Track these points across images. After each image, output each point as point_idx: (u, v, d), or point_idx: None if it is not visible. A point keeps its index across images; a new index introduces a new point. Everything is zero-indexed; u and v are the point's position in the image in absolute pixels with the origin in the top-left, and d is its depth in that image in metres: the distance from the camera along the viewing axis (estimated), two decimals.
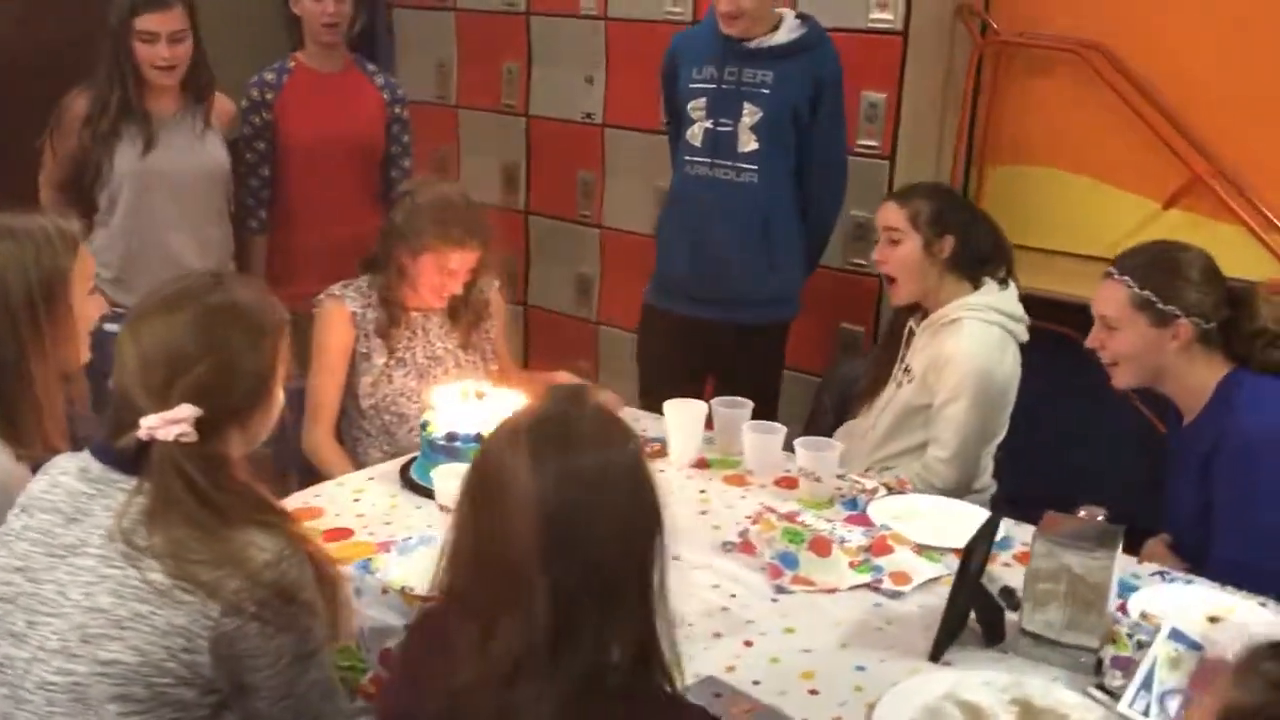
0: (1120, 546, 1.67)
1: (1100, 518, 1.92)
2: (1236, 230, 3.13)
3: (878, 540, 1.98)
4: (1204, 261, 2.06)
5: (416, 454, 2.23)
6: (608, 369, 4.22)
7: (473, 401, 2.21)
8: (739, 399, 2.41)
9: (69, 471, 1.40)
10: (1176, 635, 1.55)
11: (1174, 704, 1.49)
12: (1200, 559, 2.02)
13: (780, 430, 2.26)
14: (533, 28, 4.22)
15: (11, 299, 1.65)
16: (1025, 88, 3.62)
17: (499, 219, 4.42)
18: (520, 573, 1.15)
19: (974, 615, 1.71)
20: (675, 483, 2.24)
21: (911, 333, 2.54)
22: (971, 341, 2.37)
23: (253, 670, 1.32)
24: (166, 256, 2.90)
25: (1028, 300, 2.58)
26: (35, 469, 1.51)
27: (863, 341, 3.60)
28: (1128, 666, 1.57)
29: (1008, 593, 1.77)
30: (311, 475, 2.39)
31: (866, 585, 1.86)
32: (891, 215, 2.48)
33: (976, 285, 2.45)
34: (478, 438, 2.06)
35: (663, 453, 2.35)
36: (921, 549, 1.96)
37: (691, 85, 2.88)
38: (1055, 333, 2.80)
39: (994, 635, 1.71)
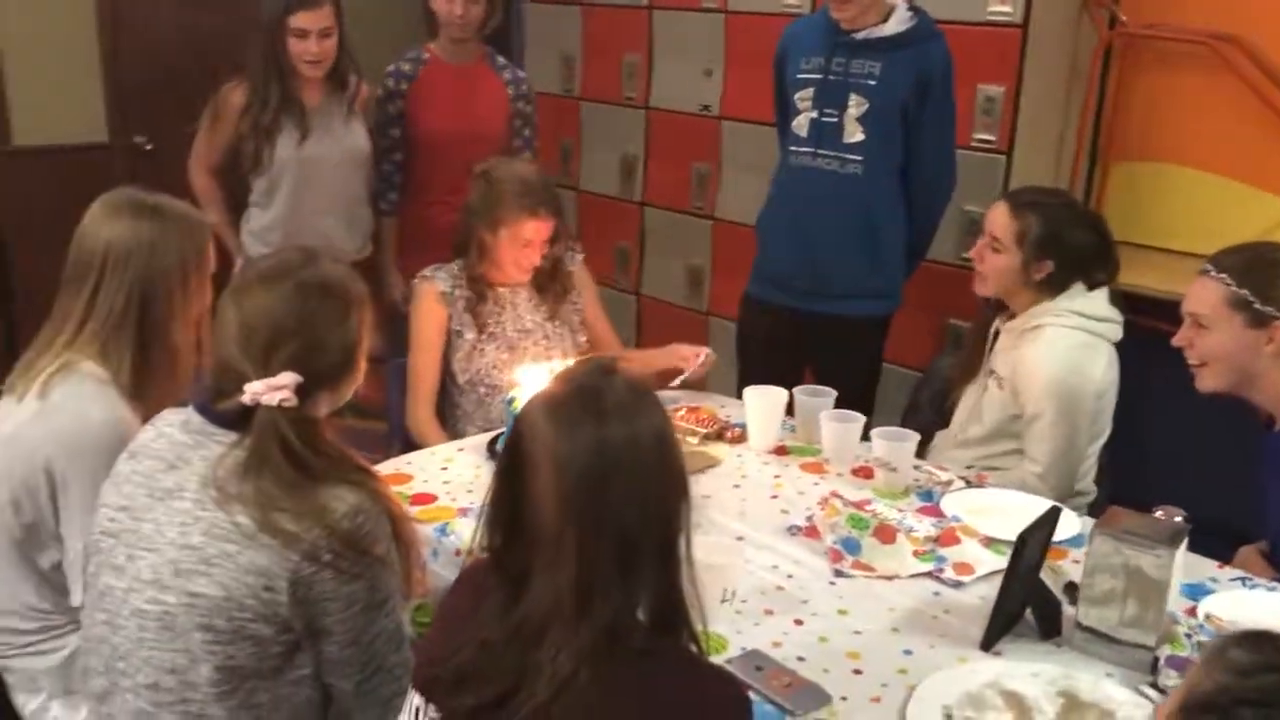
0: (1184, 546, 1.64)
1: (1178, 519, 1.88)
2: None
3: (946, 531, 1.98)
4: None
5: (504, 429, 2.32)
6: (719, 357, 4.25)
7: None
8: (821, 388, 2.43)
9: (173, 424, 1.52)
10: None
11: None
12: None
13: (858, 419, 2.27)
14: (655, 21, 4.29)
15: (167, 267, 1.81)
16: (1153, 82, 3.51)
17: (615, 209, 4.54)
18: (549, 535, 1.21)
19: (1030, 608, 1.70)
20: (751, 467, 2.28)
21: (997, 333, 2.51)
22: (1051, 350, 2.32)
23: (325, 614, 1.42)
24: (320, 236, 3.13)
25: (1150, 302, 2.50)
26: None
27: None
28: (1183, 667, 1.54)
29: (1071, 588, 1.75)
30: (415, 449, 2.51)
31: (928, 574, 1.86)
32: (999, 223, 2.40)
33: (1062, 289, 2.39)
34: None
35: (743, 438, 2.39)
36: (990, 541, 1.95)
37: (799, 75, 2.89)
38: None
39: (1050, 629, 1.69)
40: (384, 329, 3.43)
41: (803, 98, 2.88)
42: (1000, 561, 1.88)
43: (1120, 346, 2.43)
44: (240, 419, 1.45)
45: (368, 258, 3.35)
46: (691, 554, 1.29)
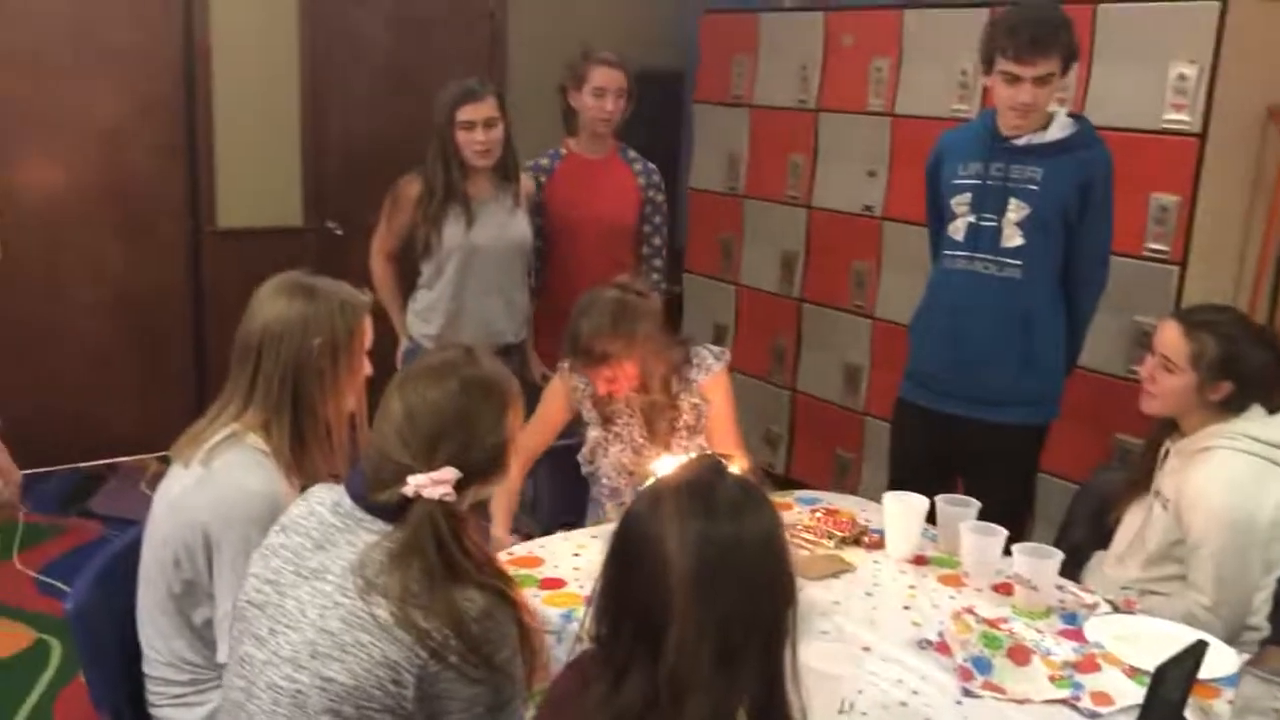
0: None
1: None
2: None
3: (1087, 657, 1.89)
4: None
5: None
6: (872, 459, 4.20)
7: None
8: (964, 497, 2.36)
9: (324, 503, 1.57)
10: None
11: None
12: None
13: (1000, 533, 2.20)
14: (821, 123, 4.35)
15: (316, 348, 1.90)
16: None
17: (774, 304, 4.57)
18: (651, 629, 1.23)
19: None
20: (886, 575, 2.23)
21: (1167, 452, 2.40)
22: (1221, 475, 2.20)
23: (446, 712, 1.44)
24: (482, 319, 3.30)
25: None
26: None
27: None
28: None
29: None
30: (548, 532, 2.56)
31: (1063, 701, 1.78)
32: (1172, 343, 2.30)
33: (1240, 411, 2.28)
34: None
35: (881, 544, 2.35)
36: (1135, 672, 1.85)
37: (956, 181, 2.88)
38: None
39: None
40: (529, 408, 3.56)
41: (960, 202, 2.86)
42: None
43: None
44: (395, 510, 1.49)
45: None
46: (797, 660, 1.28)
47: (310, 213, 4.80)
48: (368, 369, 2.08)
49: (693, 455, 2.37)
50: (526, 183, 3.43)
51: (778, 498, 2.66)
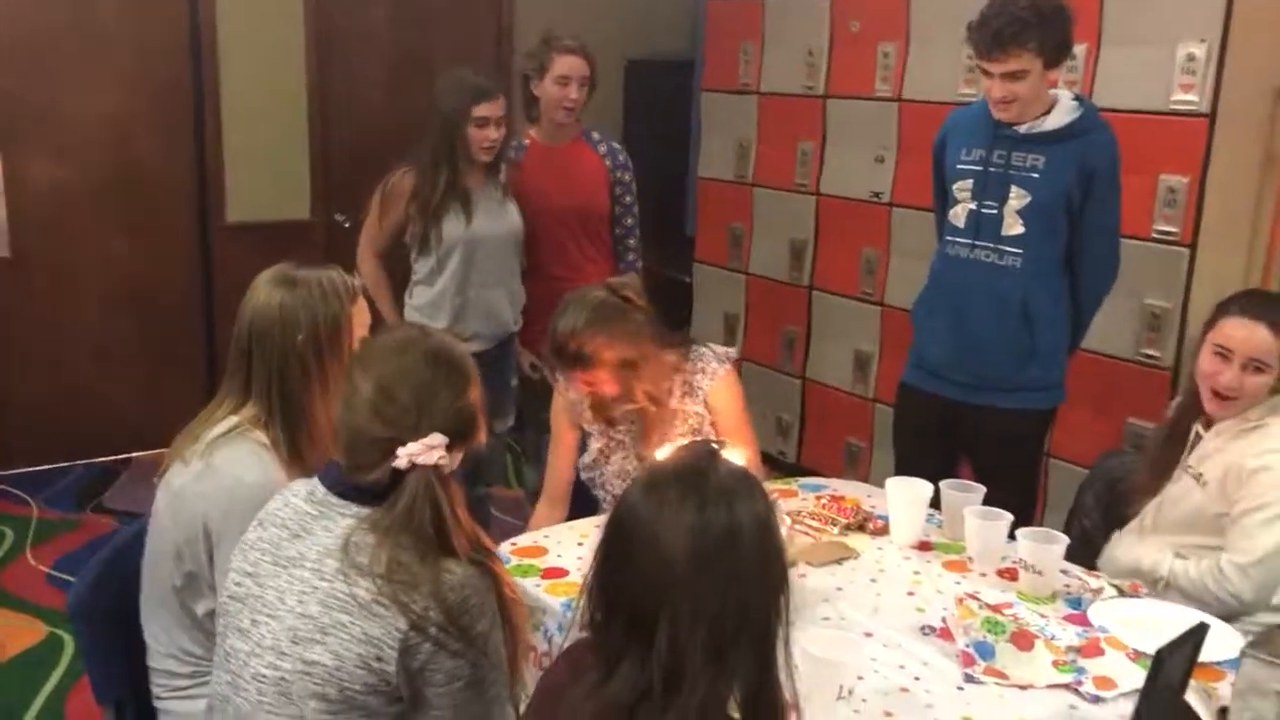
0: None
1: None
2: None
3: (1090, 642, 1.88)
4: None
5: None
6: (883, 446, 4.18)
7: None
8: (970, 483, 2.35)
9: (299, 494, 1.59)
10: None
11: None
12: None
13: (1005, 517, 2.18)
14: (829, 109, 4.33)
15: (299, 340, 1.89)
16: None
17: (784, 293, 4.56)
18: (643, 617, 1.22)
19: None
20: (890, 561, 2.22)
21: (1198, 436, 2.37)
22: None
23: (428, 685, 1.44)
24: (488, 310, 3.32)
25: None
26: None
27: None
28: None
29: (1224, 713, 1.63)
30: None
31: (1065, 686, 1.77)
32: (1261, 345, 2.21)
33: None
34: None
35: (886, 530, 2.34)
36: (1139, 655, 1.84)
37: (959, 166, 2.86)
38: None
39: None
40: (519, 399, 3.56)
41: (961, 189, 2.84)
42: None
43: None
44: (382, 489, 1.49)
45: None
46: (790, 648, 1.27)
47: (318, 206, 4.81)
48: None
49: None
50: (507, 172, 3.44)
51: (782, 485, 2.66)
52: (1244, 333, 2.23)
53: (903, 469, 3.00)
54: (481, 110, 3.17)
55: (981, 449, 2.90)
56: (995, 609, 1.93)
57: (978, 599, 1.95)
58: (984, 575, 2.16)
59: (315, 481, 1.57)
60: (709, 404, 2.46)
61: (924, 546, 2.29)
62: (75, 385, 4.50)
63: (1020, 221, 2.75)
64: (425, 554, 1.45)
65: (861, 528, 2.36)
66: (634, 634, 1.23)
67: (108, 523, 4.03)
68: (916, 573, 2.18)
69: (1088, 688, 1.76)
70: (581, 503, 2.64)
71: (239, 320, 1.91)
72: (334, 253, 3.74)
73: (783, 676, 1.27)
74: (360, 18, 4.82)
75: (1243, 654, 1.53)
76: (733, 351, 2.59)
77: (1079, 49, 3.27)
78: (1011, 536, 2.17)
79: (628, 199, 3.58)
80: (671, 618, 1.21)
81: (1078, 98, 2.79)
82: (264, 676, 1.47)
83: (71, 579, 3.57)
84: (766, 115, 4.61)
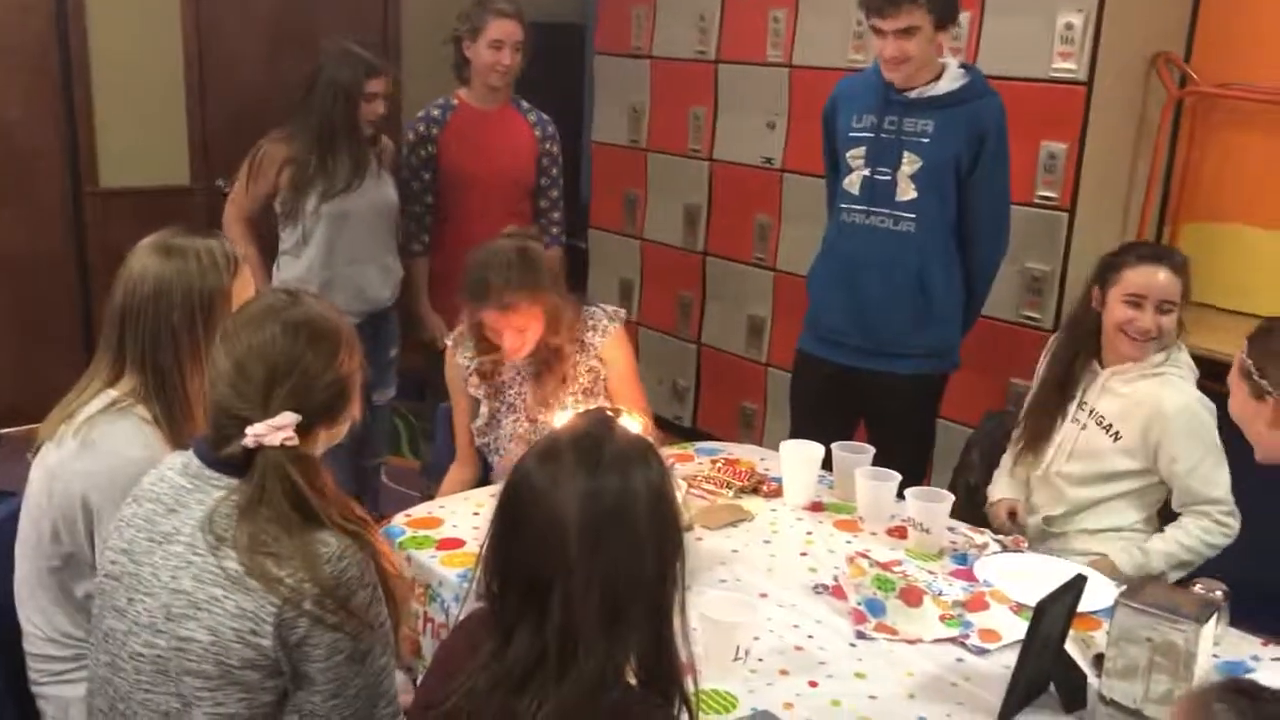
0: (1215, 620, 1.58)
1: (1219, 593, 1.82)
2: None
3: (975, 596, 1.94)
4: None
5: None
6: (776, 411, 4.24)
7: None
8: (860, 444, 2.40)
9: (174, 467, 1.54)
10: None
11: None
12: None
13: (893, 477, 2.24)
14: (720, 74, 4.34)
15: (175, 312, 1.82)
16: (1224, 140, 3.44)
17: (678, 259, 4.57)
18: (538, 586, 1.21)
19: (1054, 680, 1.65)
20: (784, 523, 2.26)
21: (1094, 374, 2.46)
22: (1194, 397, 2.33)
23: (308, 660, 1.42)
24: (357, 285, 3.25)
25: (1217, 365, 2.44)
26: None
27: None
28: None
29: (1100, 660, 1.70)
30: None
31: (952, 639, 1.82)
32: (1168, 284, 2.36)
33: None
34: None
35: (780, 493, 2.37)
36: (1021, 608, 1.90)
37: (851, 134, 2.89)
38: None
39: (1073, 702, 1.64)
40: (424, 369, 3.52)
41: (854, 155, 2.88)
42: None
43: None
44: (241, 463, 1.46)
45: (403, 302, 3.44)
46: (687, 614, 1.28)
47: (199, 171, 4.64)
48: None
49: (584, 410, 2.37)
50: (388, 143, 3.38)
51: (679, 449, 2.67)
52: (1150, 278, 2.36)
53: (799, 433, 3.04)
54: (374, 86, 3.15)
55: (876, 414, 2.96)
56: (885, 567, 1.98)
57: (868, 558, 2.00)
58: (874, 534, 2.21)
59: (190, 454, 1.53)
60: (601, 358, 2.49)
61: (816, 507, 2.33)
62: None
63: (913, 186, 2.79)
64: (289, 528, 1.42)
65: (756, 490, 2.39)
66: (529, 603, 1.23)
67: None
68: (809, 533, 2.22)
69: (973, 640, 1.82)
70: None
71: (113, 290, 1.83)
72: (216, 220, 3.59)
73: (679, 642, 1.28)
74: None
75: (1117, 603, 1.60)
76: (622, 311, 2.62)
77: (963, 17, 3.33)
78: (901, 496, 2.22)
79: (554, 171, 3.55)
80: (565, 586, 1.20)
81: (964, 66, 2.85)
82: (141, 655, 1.44)
83: None
84: (659, 80, 4.59)
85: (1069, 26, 3.29)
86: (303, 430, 1.48)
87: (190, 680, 1.40)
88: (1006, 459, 2.61)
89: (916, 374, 2.92)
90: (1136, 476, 2.38)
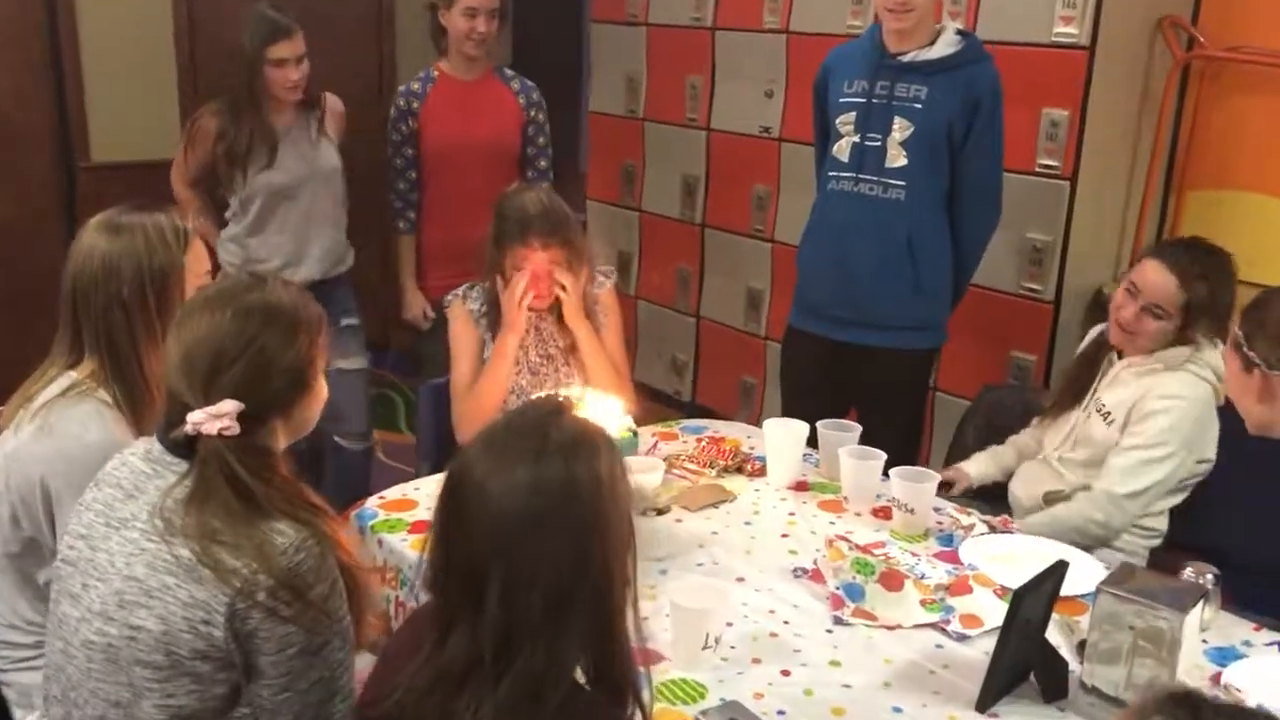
0: (1201, 607, 1.53)
1: (1209, 576, 1.77)
2: None
3: (959, 579, 1.89)
4: None
5: None
6: (775, 384, 4.16)
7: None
8: (846, 422, 2.34)
9: (137, 453, 1.50)
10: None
11: None
12: None
13: (879, 456, 2.18)
14: (717, 41, 4.25)
15: (125, 290, 1.78)
16: (1232, 106, 3.34)
17: (676, 230, 4.50)
18: (475, 580, 1.16)
19: (1034, 669, 1.60)
20: (767, 503, 2.21)
21: (1110, 363, 2.41)
22: (1187, 391, 2.26)
23: (260, 653, 1.37)
24: (296, 255, 3.19)
25: None
26: None
27: (1034, 371, 3.41)
28: None
29: (1084, 646, 1.64)
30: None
31: (932, 625, 1.77)
32: (1163, 288, 2.26)
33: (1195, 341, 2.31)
34: None
35: (764, 472, 2.32)
36: (1006, 592, 1.84)
37: (842, 100, 2.81)
38: None
39: (1054, 691, 1.59)
40: (415, 342, 3.47)
41: (845, 121, 2.80)
42: None
43: None
44: (189, 449, 1.42)
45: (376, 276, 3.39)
46: (639, 609, 1.23)
47: None
48: None
49: (565, 391, 2.32)
50: (336, 104, 3.29)
51: (663, 428, 2.62)
52: (1154, 277, 2.28)
53: (790, 412, 2.99)
54: (279, 50, 3.03)
55: (866, 391, 2.90)
56: (865, 549, 1.93)
57: (848, 540, 1.95)
58: (859, 514, 2.16)
59: (152, 439, 1.49)
60: (601, 306, 2.56)
61: (800, 487, 2.28)
62: None
63: (904, 153, 2.72)
64: (234, 518, 1.38)
65: (740, 470, 2.34)
66: (467, 597, 1.17)
67: None
68: (791, 514, 2.16)
69: (954, 626, 1.77)
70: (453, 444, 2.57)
71: (64, 272, 1.79)
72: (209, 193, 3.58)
73: (633, 638, 1.23)
74: None
75: (1099, 590, 1.54)
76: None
77: None
78: (886, 475, 2.17)
79: (541, 140, 3.47)
80: (504, 578, 1.15)
81: (961, 31, 2.77)
82: (93, 643, 1.40)
83: None
84: (655, 47, 4.50)
85: None
86: (252, 420, 1.42)
87: (140, 670, 1.37)
88: (1020, 438, 2.58)
89: (907, 348, 2.86)
90: None
